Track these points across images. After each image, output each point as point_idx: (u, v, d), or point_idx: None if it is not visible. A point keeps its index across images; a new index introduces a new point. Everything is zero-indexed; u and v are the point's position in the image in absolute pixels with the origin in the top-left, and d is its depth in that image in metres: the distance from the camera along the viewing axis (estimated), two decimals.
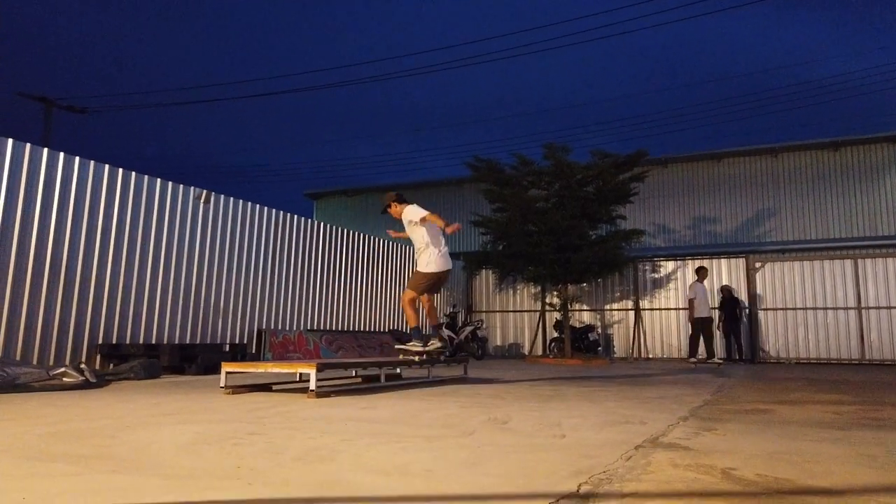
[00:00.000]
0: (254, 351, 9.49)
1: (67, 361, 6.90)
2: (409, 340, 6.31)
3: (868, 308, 12.77)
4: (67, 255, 7.26)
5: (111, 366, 7.32)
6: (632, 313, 14.50)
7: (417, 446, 2.71)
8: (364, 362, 6.48)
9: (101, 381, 6.07)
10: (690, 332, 12.33)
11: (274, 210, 10.38)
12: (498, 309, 15.91)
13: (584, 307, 14.95)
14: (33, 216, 6.97)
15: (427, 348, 6.10)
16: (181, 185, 8.80)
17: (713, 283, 13.47)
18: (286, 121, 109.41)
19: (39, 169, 7.06)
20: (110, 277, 7.71)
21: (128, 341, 7.81)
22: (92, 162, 7.64)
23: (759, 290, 13.60)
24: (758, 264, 13.73)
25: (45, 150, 7.23)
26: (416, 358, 6.13)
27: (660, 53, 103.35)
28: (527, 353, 14.93)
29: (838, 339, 12.88)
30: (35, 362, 6.62)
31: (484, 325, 14.80)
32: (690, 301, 12.25)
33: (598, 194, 12.71)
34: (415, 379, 6.60)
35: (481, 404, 4.45)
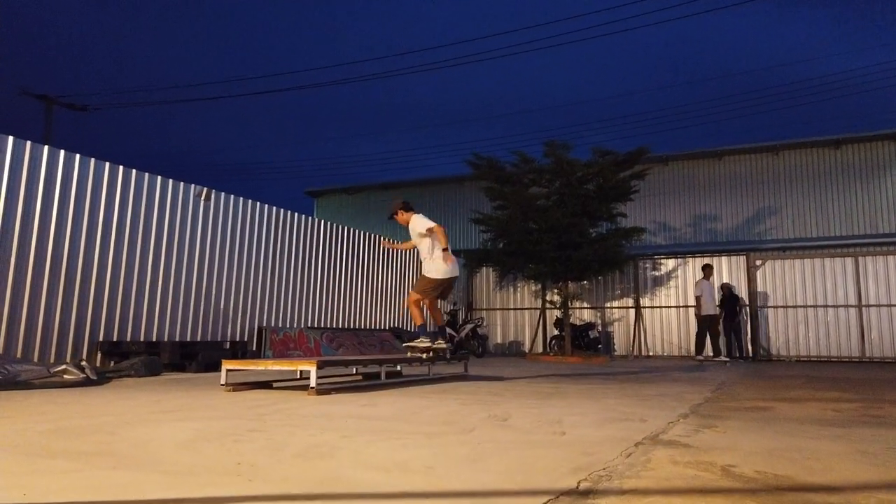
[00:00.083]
0: (254, 348, 9.50)
1: (68, 359, 6.92)
2: (417, 338, 6.42)
3: (869, 306, 12.76)
4: (68, 253, 7.26)
5: (112, 363, 7.33)
6: (632, 311, 14.49)
7: (417, 443, 2.71)
8: (364, 360, 6.49)
9: (101, 378, 6.08)
10: (697, 329, 12.35)
11: (275, 208, 10.38)
12: (498, 307, 15.91)
13: (585, 305, 14.94)
14: (34, 214, 6.97)
15: (434, 345, 6.27)
16: (182, 183, 8.80)
17: (714, 281, 13.46)
18: (288, 118, 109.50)
19: (40, 166, 7.07)
20: (111, 274, 7.72)
21: (128, 339, 7.82)
22: (92, 159, 7.65)
23: (759, 288, 13.59)
24: (758, 262, 13.72)
25: (46, 147, 7.23)
26: (424, 355, 6.27)
27: (661, 51, 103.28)
28: (527, 350, 14.93)
29: (839, 337, 12.88)
30: (36, 360, 6.63)
31: (484, 323, 14.81)
32: (697, 298, 12.26)
33: (599, 192, 12.69)
34: (415, 376, 6.62)
35: (481, 401, 4.46)
